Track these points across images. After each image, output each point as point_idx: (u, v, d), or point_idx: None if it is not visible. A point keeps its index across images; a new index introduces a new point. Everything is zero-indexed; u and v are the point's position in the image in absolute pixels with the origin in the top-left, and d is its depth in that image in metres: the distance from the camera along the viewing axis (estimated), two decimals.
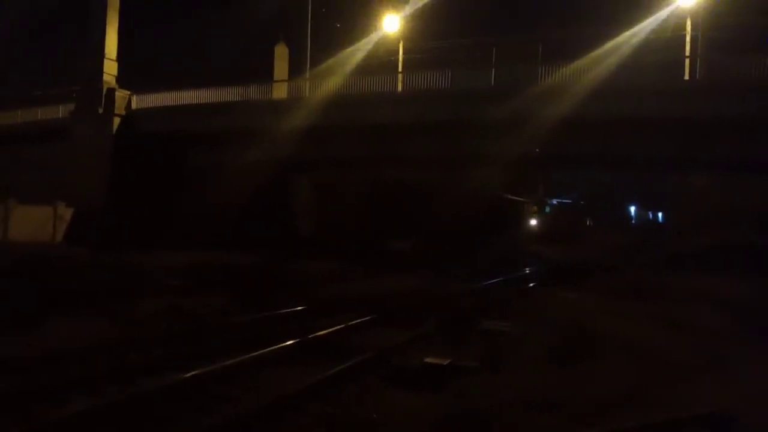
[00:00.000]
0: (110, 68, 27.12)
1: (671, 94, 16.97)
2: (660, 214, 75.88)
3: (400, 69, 24.02)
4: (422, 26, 26.64)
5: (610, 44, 18.55)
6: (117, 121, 26.37)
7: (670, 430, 4.78)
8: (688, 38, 18.43)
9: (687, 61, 18.07)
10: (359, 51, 26.71)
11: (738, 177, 29.61)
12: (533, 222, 34.17)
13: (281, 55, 31.11)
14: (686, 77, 17.91)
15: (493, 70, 20.35)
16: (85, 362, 6.36)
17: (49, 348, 6.71)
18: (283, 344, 7.28)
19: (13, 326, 7.71)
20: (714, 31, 18.22)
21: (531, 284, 15.74)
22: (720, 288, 13.85)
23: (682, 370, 6.60)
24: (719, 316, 10.17)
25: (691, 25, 18.50)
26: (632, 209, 75.31)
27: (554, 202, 38.78)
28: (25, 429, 4.48)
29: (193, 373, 5.86)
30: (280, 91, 26.12)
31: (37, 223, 22.82)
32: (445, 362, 6.79)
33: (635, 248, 33.77)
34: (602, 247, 33.47)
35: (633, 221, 73.61)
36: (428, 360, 6.81)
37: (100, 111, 26.39)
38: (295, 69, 29.47)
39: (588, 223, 42.35)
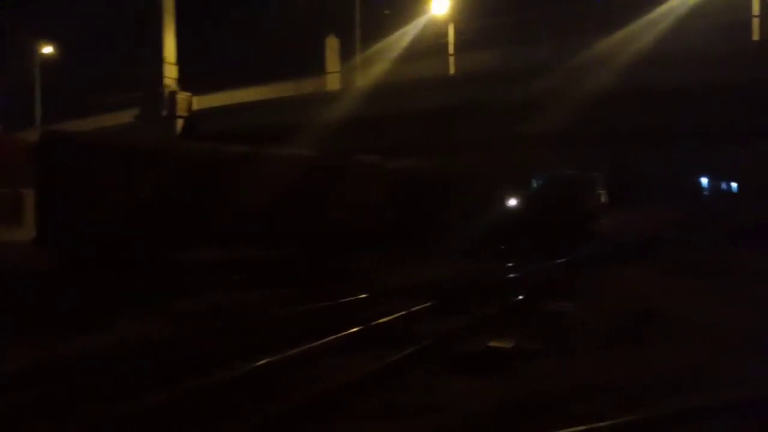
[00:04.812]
0: (170, 72, 28.15)
1: (739, 56, 16.10)
2: (734, 185, 72.14)
3: (450, 51, 23.81)
4: (472, 5, 26.22)
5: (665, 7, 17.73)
6: (180, 122, 27.38)
7: (727, 413, 4.61)
8: None
9: (755, 20, 17.08)
10: (407, 35, 26.62)
11: None
12: (512, 202, 25.97)
13: (332, 46, 31.36)
14: (755, 38, 16.94)
15: (545, 44, 19.86)
16: (161, 356, 6.69)
17: (121, 343, 7.13)
18: (346, 332, 7.44)
19: (75, 326, 8.13)
20: None
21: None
22: None
23: (754, 352, 6.31)
24: None
25: None
26: (704, 180, 71.97)
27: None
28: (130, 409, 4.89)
29: (260, 363, 6.09)
30: (332, 83, 26.42)
31: None
32: (509, 345, 6.77)
33: (702, 222, 32.05)
34: (664, 222, 31.73)
35: (706, 193, 70.38)
36: (492, 344, 6.81)
37: (164, 113, 27.47)
38: (347, 59, 29.67)
39: (602, 198, 29.49)
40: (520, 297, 9.95)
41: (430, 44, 26.07)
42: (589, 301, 9.64)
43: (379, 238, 16.41)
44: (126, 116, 30.66)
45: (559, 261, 15.80)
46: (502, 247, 19.14)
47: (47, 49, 37.58)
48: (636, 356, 6.47)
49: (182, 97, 27.80)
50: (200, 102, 28.07)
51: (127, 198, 11.82)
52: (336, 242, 15.23)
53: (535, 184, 26.02)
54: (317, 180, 14.92)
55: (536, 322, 8.29)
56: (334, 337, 7.14)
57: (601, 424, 4.34)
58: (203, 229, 12.97)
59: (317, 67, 29.73)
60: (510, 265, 14.91)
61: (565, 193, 23.71)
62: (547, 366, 6.25)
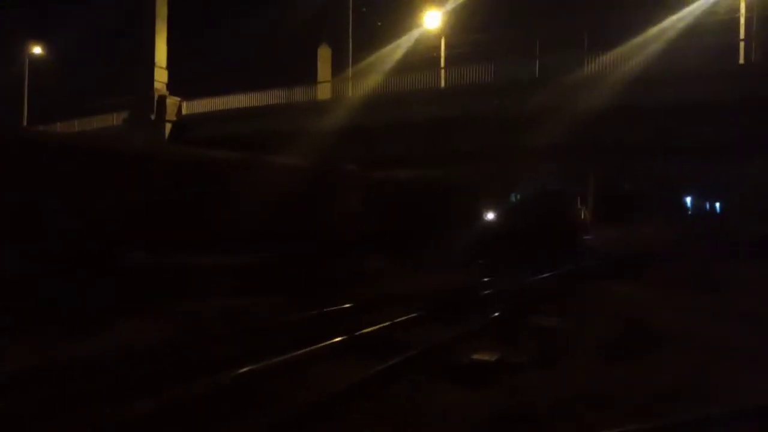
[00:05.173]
0: (161, 76, 28.07)
1: (724, 78, 16.37)
2: (717, 204, 73.04)
3: (442, 64, 23.98)
4: (464, 20, 26.47)
5: (658, 28, 18.02)
6: (168, 127, 27.26)
7: (720, 424, 4.63)
8: (742, 20, 17.75)
9: (741, 44, 17.40)
10: (400, 48, 26.79)
11: None
12: (490, 216, 25.63)
13: (324, 56, 31.49)
14: (741, 61, 17.25)
15: (537, 60, 20.07)
16: (148, 362, 6.60)
17: (114, 348, 7.03)
18: (332, 341, 7.39)
19: (73, 329, 8.04)
20: None
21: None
22: None
23: (744, 365, 6.35)
24: None
25: (746, 6, 17.82)
26: (688, 199, 72.83)
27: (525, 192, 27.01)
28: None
29: (244, 370, 6.02)
30: (324, 92, 26.46)
31: None
32: (493, 358, 6.76)
33: (688, 239, 32.30)
34: (652, 240, 31.98)
35: (689, 212, 71.19)
36: (476, 356, 6.80)
37: (152, 117, 27.33)
38: (339, 69, 29.77)
39: (582, 215, 29.02)
40: (500, 312, 9.65)
41: (422, 57, 26.25)
42: (576, 315, 9.65)
43: (355, 249, 16.12)
44: (115, 119, 30.48)
45: (543, 276, 15.51)
46: (480, 261, 18.68)
47: (36, 50, 37.31)
48: (624, 370, 6.47)
49: (171, 101, 27.70)
50: (190, 107, 27.98)
51: (96, 201, 11.49)
52: (304, 252, 14.56)
53: (513, 199, 25.99)
54: (290, 187, 14.38)
55: (522, 336, 8.27)
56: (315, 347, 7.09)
57: None
58: (169, 238, 12.62)
59: (309, 77, 29.80)
60: (487, 279, 14.42)
61: (544, 209, 23.54)
62: (531, 379, 6.24)
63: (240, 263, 13.69)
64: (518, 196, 26.06)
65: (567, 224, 25.09)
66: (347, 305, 10.16)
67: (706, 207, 75.40)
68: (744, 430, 4.54)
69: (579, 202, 28.43)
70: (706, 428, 4.53)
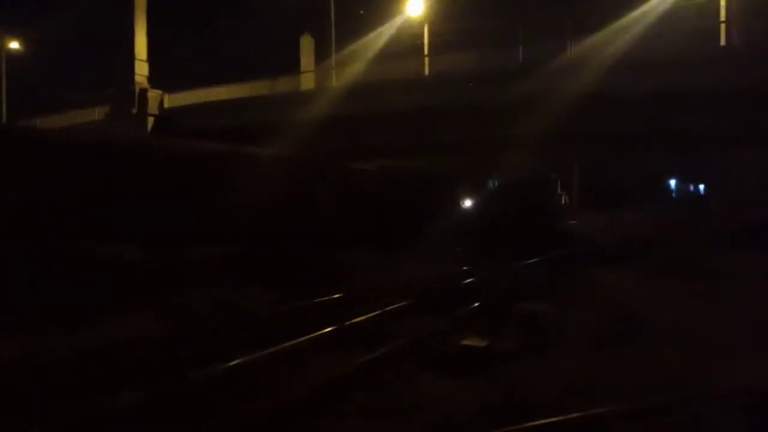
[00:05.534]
0: (141, 69, 27.71)
1: (705, 62, 16.44)
2: (701, 187, 73.78)
3: (425, 52, 23.90)
4: (447, 7, 26.36)
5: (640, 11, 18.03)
6: (151, 120, 26.96)
7: (703, 405, 4.70)
8: (722, 1, 17.81)
9: (723, 26, 17.47)
10: (382, 36, 26.66)
11: None
12: (468, 203, 24.98)
13: (307, 46, 31.26)
14: (722, 43, 17.33)
15: (521, 47, 20.06)
16: (139, 354, 6.56)
17: (101, 341, 6.96)
18: (323, 331, 7.38)
19: (63, 322, 7.96)
20: None
21: None
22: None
23: (731, 352, 6.41)
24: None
25: None
26: (672, 183, 73.44)
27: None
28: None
29: (236, 361, 6.00)
30: (307, 82, 26.29)
31: None
32: (483, 344, 6.80)
33: (672, 225, 32.52)
34: (636, 226, 31.93)
35: (674, 195, 71.85)
36: (465, 342, 6.83)
37: (134, 111, 27.01)
38: (322, 59, 29.58)
39: (563, 200, 31.41)
40: (484, 301, 9.61)
41: (406, 45, 26.15)
42: (565, 302, 9.71)
43: (332, 240, 15.71)
44: (97, 114, 30.06)
45: (526, 263, 15.35)
46: (458, 249, 18.16)
47: (14, 45, 36.63)
48: (613, 358, 6.52)
49: (153, 95, 27.36)
50: (172, 100, 27.66)
51: (84, 196, 11.31)
52: (278, 245, 14.01)
53: (491, 186, 25.87)
54: (268, 179, 13.65)
55: (511, 323, 8.32)
56: None
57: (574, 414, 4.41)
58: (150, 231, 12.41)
59: (292, 66, 29.58)
60: (466, 268, 13.81)
61: (521, 195, 23.53)
62: (521, 366, 6.28)
63: (221, 255, 13.55)
64: (495, 184, 25.93)
65: (545, 210, 25.28)
66: (336, 296, 10.15)
67: (690, 189, 76.19)
68: (718, 411, 4.59)
69: (558, 189, 28.50)
70: (681, 410, 4.59)
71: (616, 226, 31.40)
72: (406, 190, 19.80)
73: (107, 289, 9.88)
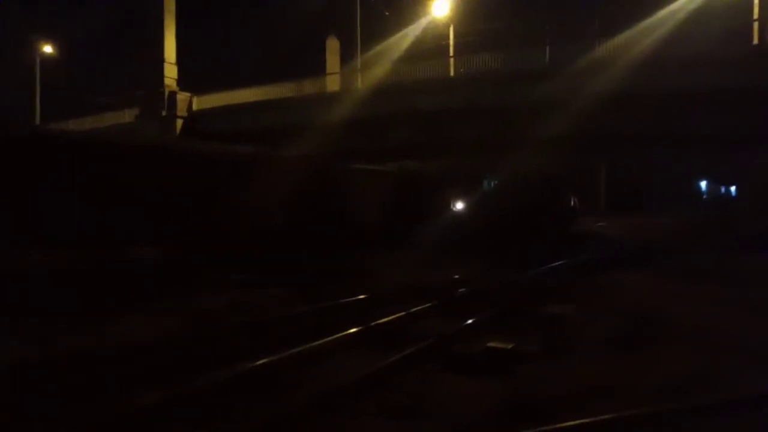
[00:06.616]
0: (170, 72, 28.18)
1: (737, 61, 16.11)
2: (733, 189, 72.25)
3: (451, 53, 23.86)
4: (473, 8, 26.32)
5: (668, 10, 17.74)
6: (179, 122, 27.39)
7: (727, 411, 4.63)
8: (756, 0, 17.43)
9: (755, 24, 17.10)
10: (407, 37, 26.69)
11: None
12: (459, 205, 23.24)
13: (332, 48, 31.47)
14: (755, 42, 16.97)
15: (548, 48, 19.89)
16: (162, 354, 6.69)
17: (125, 341, 7.13)
18: (346, 332, 7.44)
19: (86, 320, 8.17)
20: None
21: None
22: None
23: (759, 357, 6.30)
24: None
25: None
26: (703, 184, 72.12)
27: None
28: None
29: (260, 362, 6.10)
30: (333, 84, 26.43)
31: None
32: (508, 347, 6.76)
33: (700, 227, 31.77)
34: (664, 229, 31.31)
35: (704, 197, 70.56)
36: (491, 345, 6.81)
37: (164, 113, 27.48)
38: (347, 60, 29.73)
39: (572, 203, 27.76)
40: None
41: (431, 46, 26.15)
42: (589, 305, 9.63)
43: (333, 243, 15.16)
44: (127, 116, 30.68)
45: (550, 266, 14.57)
46: (445, 254, 16.71)
47: (47, 49, 37.59)
48: (636, 360, 6.47)
49: (182, 97, 27.82)
50: (200, 102, 28.09)
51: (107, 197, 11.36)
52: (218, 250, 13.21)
53: (486, 186, 24.03)
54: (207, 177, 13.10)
55: (535, 326, 8.28)
56: None
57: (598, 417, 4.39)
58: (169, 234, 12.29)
59: (318, 68, 29.78)
60: (457, 277, 12.65)
61: (526, 196, 21.84)
62: (545, 368, 6.26)
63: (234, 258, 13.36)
64: (493, 184, 24.13)
65: (554, 212, 23.68)
66: (361, 297, 10.21)
67: (721, 191, 74.67)
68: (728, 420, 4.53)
69: (564, 189, 26.86)
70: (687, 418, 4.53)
71: (643, 228, 30.95)
72: (417, 191, 19.69)
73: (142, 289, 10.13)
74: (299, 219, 14.92)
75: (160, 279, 10.91)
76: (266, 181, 14.41)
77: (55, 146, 11.47)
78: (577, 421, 4.39)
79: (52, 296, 9.00)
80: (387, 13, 30.11)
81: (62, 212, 10.85)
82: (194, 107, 27.99)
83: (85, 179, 11.26)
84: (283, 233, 14.40)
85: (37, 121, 36.55)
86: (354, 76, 25.84)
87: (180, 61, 28.69)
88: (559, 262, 15.09)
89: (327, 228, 15.48)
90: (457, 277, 12.62)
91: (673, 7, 17.95)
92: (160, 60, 27.85)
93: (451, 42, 24.66)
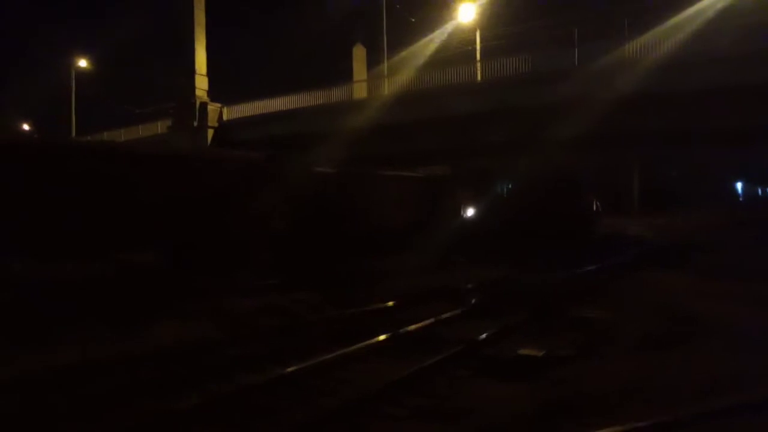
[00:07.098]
0: (201, 83, 28.69)
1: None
2: None
3: (478, 57, 23.81)
4: (499, 11, 26.24)
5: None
6: (210, 132, 27.85)
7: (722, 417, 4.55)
8: None
9: None
10: (433, 43, 26.72)
11: None
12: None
13: (359, 55, 31.66)
14: None
15: (576, 49, 19.70)
16: (195, 360, 6.85)
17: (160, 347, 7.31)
18: (376, 339, 7.51)
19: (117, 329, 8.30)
20: None
21: None
22: None
23: None
24: None
25: None
26: (739, 185, 70.38)
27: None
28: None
29: (293, 368, 6.19)
30: (360, 91, 26.57)
31: None
32: (540, 354, 6.69)
33: (735, 227, 30.99)
34: (698, 229, 30.54)
35: (740, 198, 68.84)
36: (522, 352, 6.74)
37: (195, 124, 27.98)
38: (374, 67, 29.87)
39: (595, 207, 27.07)
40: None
41: (457, 51, 26.14)
42: (622, 306, 9.52)
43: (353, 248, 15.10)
44: (159, 127, 31.36)
45: (584, 269, 14.70)
46: (462, 259, 16.50)
47: (82, 63, 38.67)
48: (671, 362, 6.38)
49: (213, 108, 28.31)
50: (230, 112, 28.55)
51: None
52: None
53: (499, 190, 23.94)
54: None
55: (567, 329, 8.23)
56: None
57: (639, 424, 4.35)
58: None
59: (345, 76, 30.00)
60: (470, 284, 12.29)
61: (546, 200, 21.62)
62: (579, 372, 6.21)
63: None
64: (508, 188, 24.02)
65: (574, 216, 23.26)
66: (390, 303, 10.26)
67: (758, 193, 72.74)
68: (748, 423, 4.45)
69: (584, 193, 26.10)
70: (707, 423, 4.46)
71: (674, 229, 30.38)
72: (438, 195, 19.84)
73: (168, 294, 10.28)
74: (320, 225, 15.03)
75: (187, 285, 11.06)
76: (288, 187, 14.46)
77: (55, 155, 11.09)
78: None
79: (81, 306, 8.98)
80: (413, 20, 30.20)
81: (69, 221, 10.70)
82: (225, 117, 28.45)
83: (89, 187, 11.06)
84: (305, 239, 14.48)
85: (73, 133, 37.57)
86: (380, 82, 25.96)
87: (210, 72, 29.25)
88: (590, 267, 15.03)
89: (348, 234, 15.61)
90: (483, 281, 12.62)
91: (702, 4, 17.62)
92: (191, 72, 28.41)
93: (478, 46, 24.60)
